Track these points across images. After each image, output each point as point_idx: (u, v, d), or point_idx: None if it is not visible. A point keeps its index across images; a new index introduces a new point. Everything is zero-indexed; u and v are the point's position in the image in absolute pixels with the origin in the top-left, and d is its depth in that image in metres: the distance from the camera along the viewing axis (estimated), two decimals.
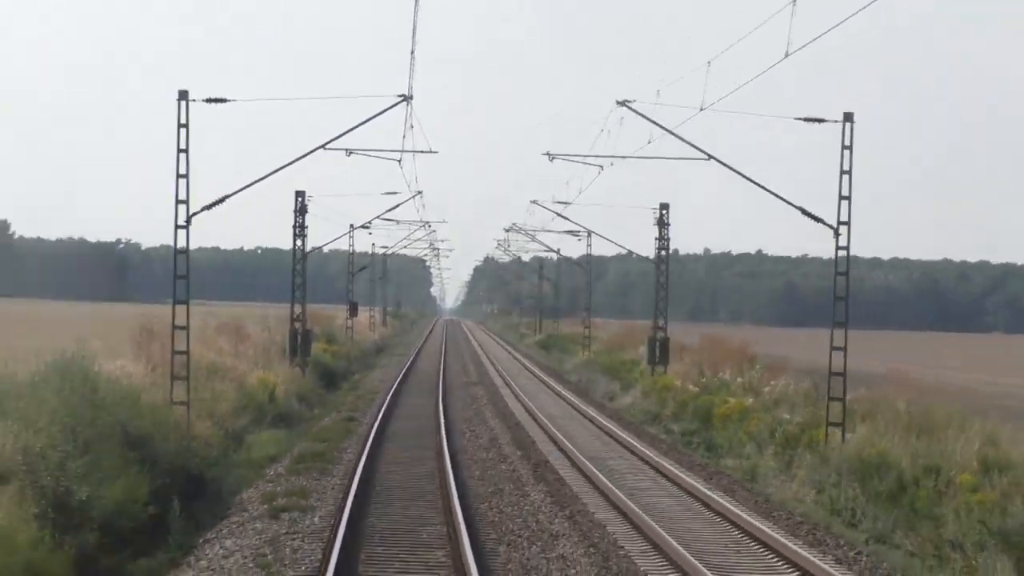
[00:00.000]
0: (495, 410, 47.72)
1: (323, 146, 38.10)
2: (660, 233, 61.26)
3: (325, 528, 22.04)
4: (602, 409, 50.91)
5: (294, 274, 56.74)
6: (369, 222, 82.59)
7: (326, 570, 18.36)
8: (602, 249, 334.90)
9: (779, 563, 21.36)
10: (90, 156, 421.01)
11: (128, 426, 25.66)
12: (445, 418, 41.12)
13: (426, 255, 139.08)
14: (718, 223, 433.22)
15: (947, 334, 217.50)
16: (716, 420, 41.63)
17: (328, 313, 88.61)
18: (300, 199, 56.30)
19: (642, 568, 20.34)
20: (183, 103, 33.11)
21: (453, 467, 29.00)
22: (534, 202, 74.93)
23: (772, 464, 33.46)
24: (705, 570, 19.69)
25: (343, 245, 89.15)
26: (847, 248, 32.95)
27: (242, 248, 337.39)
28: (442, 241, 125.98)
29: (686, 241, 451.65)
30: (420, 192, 68.32)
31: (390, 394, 50.34)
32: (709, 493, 27.76)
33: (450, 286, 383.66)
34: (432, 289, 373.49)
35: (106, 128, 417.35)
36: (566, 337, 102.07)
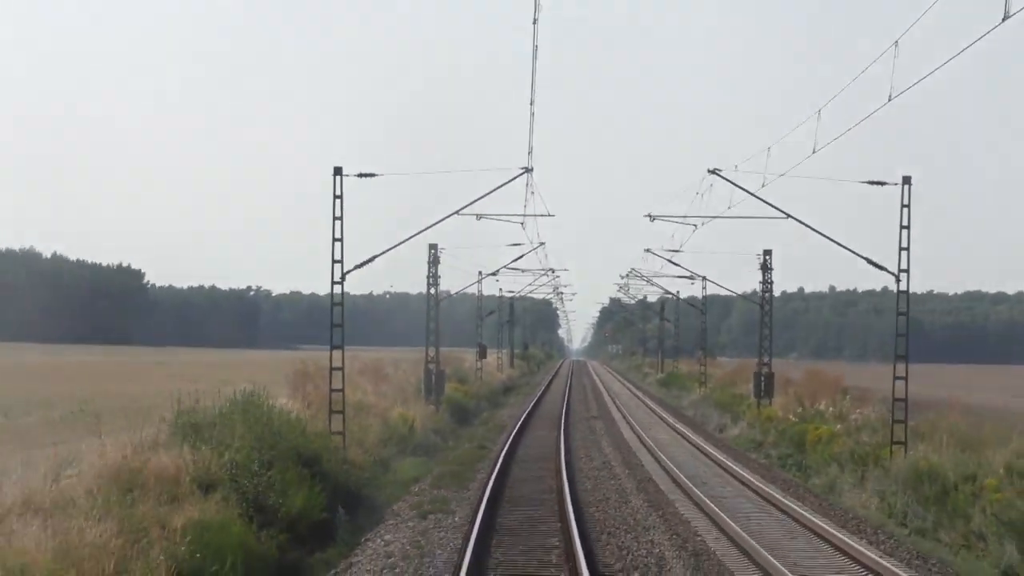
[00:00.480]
0: (611, 439, 53.29)
1: (457, 212, 43.35)
2: (764, 276, 66.48)
3: (464, 524, 27.77)
4: (710, 439, 56.28)
5: (428, 319, 62.79)
6: (497, 270, 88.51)
7: (466, 551, 24.02)
8: (720, 291, 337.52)
9: (829, 549, 26.69)
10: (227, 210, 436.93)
11: (300, 449, 31.57)
12: (565, 447, 46.77)
13: (551, 297, 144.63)
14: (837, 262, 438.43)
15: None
16: (808, 445, 46.80)
17: (458, 355, 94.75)
18: (433, 251, 62.39)
19: (711, 547, 25.82)
20: (338, 177, 38.90)
21: (569, 481, 34.63)
22: (648, 250, 77.89)
23: (848, 479, 38.68)
24: (764, 551, 25.11)
25: (472, 291, 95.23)
26: (907, 292, 38.11)
27: (371, 293, 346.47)
28: (565, 286, 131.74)
29: (810, 279, 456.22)
30: (543, 243, 76.51)
31: (517, 427, 56.13)
32: (784, 500, 33.14)
33: (577, 328, 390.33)
34: (560, 331, 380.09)
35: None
36: (684, 375, 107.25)
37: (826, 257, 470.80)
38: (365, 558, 25.00)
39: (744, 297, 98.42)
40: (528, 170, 41.48)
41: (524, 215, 51.65)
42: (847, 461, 40.87)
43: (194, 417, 30.41)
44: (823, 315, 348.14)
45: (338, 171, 39.08)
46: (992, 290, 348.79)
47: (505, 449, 44.67)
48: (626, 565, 23.52)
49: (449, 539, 26.24)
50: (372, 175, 39.75)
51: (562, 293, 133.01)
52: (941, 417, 39.15)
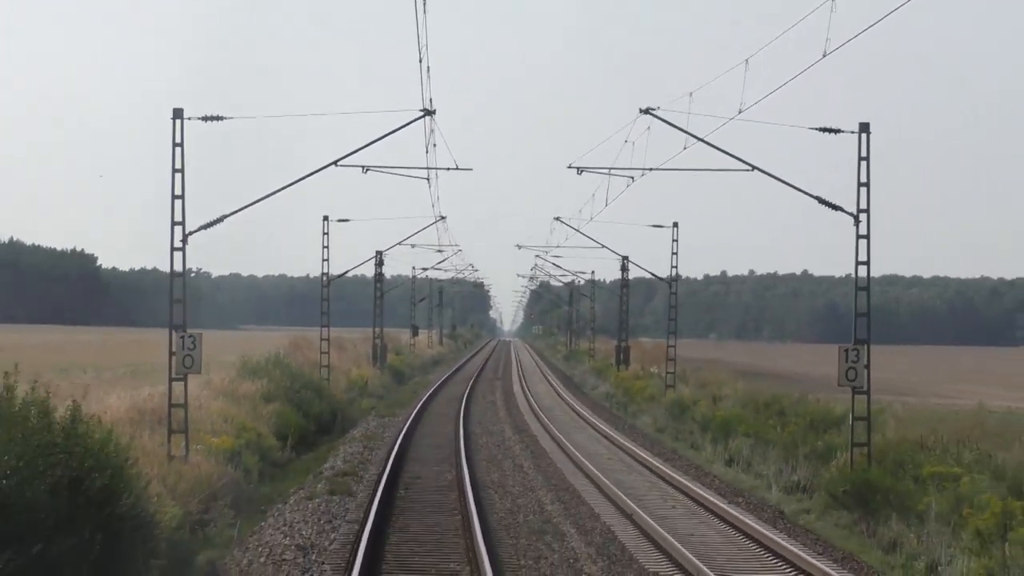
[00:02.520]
0: (503, 391, 79.09)
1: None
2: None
3: (404, 422, 53.22)
4: (576, 392, 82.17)
5: (375, 306, 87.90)
6: (390, 248, 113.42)
7: (404, 429, 49.39)
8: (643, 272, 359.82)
9: (609, 445, 52.31)
10: None
11: (312, 383, 56.83)
12: (470, 392, 72.34)
13: (463, 276, 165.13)
14: (762, 242, 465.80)
15: (973, 348, 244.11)
16: (635, 393, 72.46)
17: (395, 334, 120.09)
18: (379, 256, 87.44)
19: (539, 440, 51.45)
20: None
21: (466, 406, 60.31)
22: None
23: (645, 410, 64.28)
24: (571, 446, 50.65)
25: (364, 270, 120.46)
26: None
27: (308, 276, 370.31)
28: (475, 269, 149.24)
29: (734, 263, 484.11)
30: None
31: (438, 383, 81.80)
32: (598, 423, 58.90)
33: (508, 309, 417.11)
34: (491, 313, 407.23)
35: None
36: (584, 351, 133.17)
37: (747, 235, 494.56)
38: (353, 436, 50.09)
39: (659, 279, 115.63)
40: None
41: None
42: (647, 401, 66.62)
43: (250, 365, 55.57)
44: (743, 298, 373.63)
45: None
46: (908, 274, 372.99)
47: (428, 393, 70.41)
48: (485, 431, 49.19)
49: (398, 424, 51.75)
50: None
51: (474, 268, 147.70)
52: (705, 372, 65.14)
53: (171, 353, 32.98)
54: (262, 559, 23.88)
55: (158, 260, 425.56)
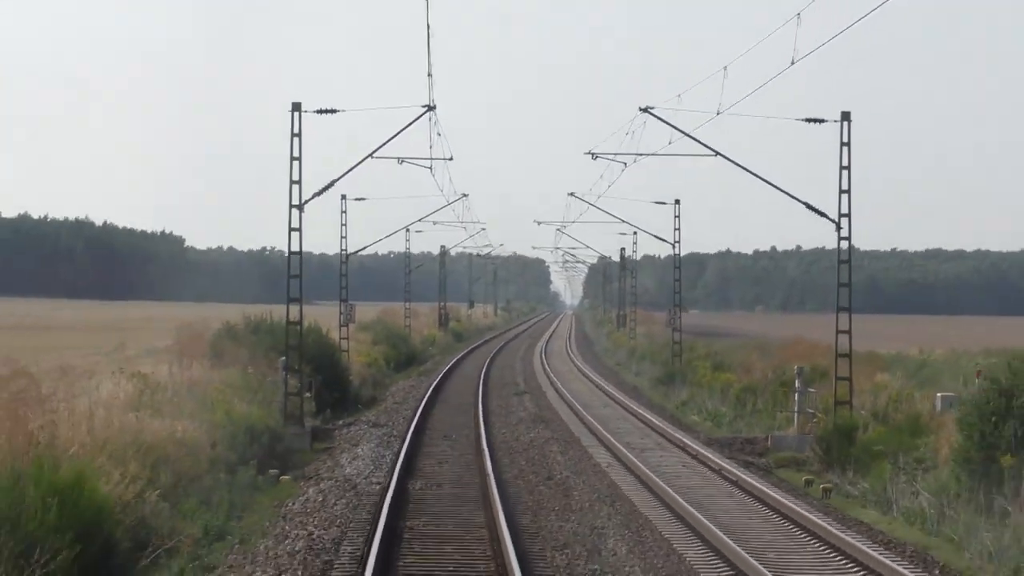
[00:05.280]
0: (529, 343, 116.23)
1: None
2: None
3: (457, 358, 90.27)
4: (585, 349, 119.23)
5: (440, 284, 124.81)
6: (414, 222, 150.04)
7: (457, 357, 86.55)
8: (697, 247, 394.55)
9: (591, 385, 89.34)
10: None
11: (400, 336, 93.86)
12: (505, 345, 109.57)
13: (480, 251, 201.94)
14: (809, 219, 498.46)
15: (996, 318, 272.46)
16: (619, 344, 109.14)
17: (455, 307, 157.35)
18: (443, 249, 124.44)
19: (536, 377, 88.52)
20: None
21: (500, 349, 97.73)
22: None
23: (627, 360, 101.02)
24: (559, 383, 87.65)
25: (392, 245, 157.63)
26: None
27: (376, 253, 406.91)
28: (498, 245, 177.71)
29: (782, 239, 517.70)
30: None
31: (484, 341, 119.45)
32: (584, 368, 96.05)
33: (575, 285, 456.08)
34: (553, 287, 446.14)
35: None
36: (606, 320, 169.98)
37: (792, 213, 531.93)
38: (426, 366, 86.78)
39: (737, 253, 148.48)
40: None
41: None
42: (619, 348, 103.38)
43: (362, 324, 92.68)
44: (789, 272, 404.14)
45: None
46: (951, 247, 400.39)
47: (475, 345, 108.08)
48: (508, 364, 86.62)
49: (454, 360, 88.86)
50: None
51: (490, 247, 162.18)
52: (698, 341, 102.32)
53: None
54: (400, 392, 60.94)
55: (235, 240, 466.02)
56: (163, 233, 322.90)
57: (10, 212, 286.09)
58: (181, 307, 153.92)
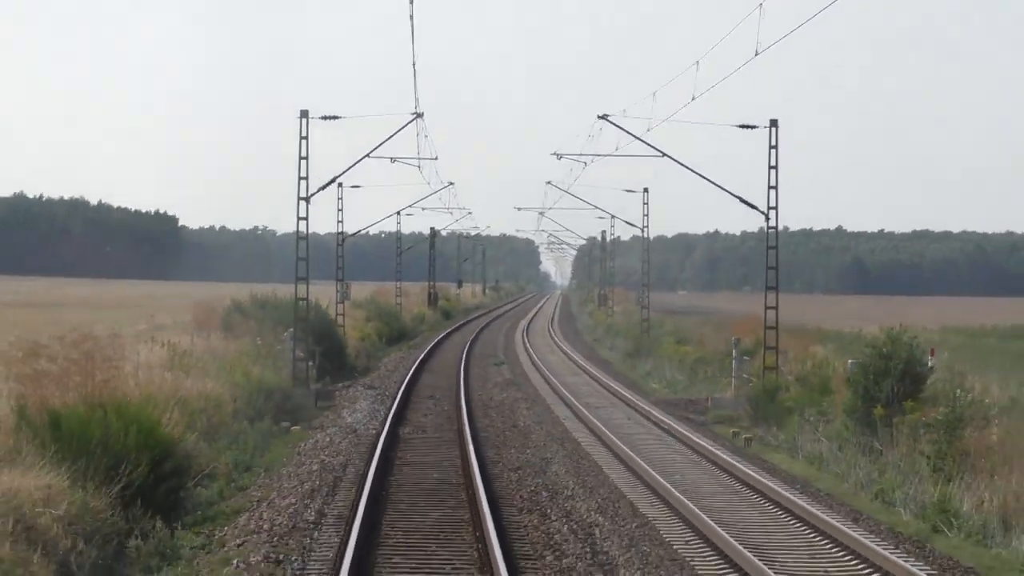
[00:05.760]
0: (514, 320, 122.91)
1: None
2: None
3: (445, 332, 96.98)
4: (566, 326, 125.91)
5: (430, 263, 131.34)
6: (402, 208, 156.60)
7: (448, 329, 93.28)
8: (686, 227, 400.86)
9: (564, 357, 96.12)
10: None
11: (391, 313, 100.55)
12: (491, 322, 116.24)
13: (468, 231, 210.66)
14: (803, 201, 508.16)
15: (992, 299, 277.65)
16: (598, 321, 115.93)
17: (444, 287, 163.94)
18: (432, 229, 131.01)
19: (516, 349, 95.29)
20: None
21: (486, 325, 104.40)
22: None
23: (601, 335, 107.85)
24: (533, 354, 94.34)
25: (383, 226, 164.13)
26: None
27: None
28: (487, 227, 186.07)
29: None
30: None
31: (471, 319, 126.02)
32: (563, 344, 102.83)
33: (564, 266, 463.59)
34: (543, 267, 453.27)
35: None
36: (589, 299, 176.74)
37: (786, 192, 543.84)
38: (416, 340, 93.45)
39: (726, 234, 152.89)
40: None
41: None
42: (607, 330, 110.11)
43: (356, 302, 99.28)
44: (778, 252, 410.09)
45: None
46: (938, 229, 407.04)
47: (462, 322, 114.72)
48: (492, 339, 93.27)
49: (442, 334, 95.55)
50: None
51: (477, 228, 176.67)
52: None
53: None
54: (391, 363, 67.66)
55: (227, 220, 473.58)
56: (157, 213, 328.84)
57: (6, 191, 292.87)
58: (179, 286, 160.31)
